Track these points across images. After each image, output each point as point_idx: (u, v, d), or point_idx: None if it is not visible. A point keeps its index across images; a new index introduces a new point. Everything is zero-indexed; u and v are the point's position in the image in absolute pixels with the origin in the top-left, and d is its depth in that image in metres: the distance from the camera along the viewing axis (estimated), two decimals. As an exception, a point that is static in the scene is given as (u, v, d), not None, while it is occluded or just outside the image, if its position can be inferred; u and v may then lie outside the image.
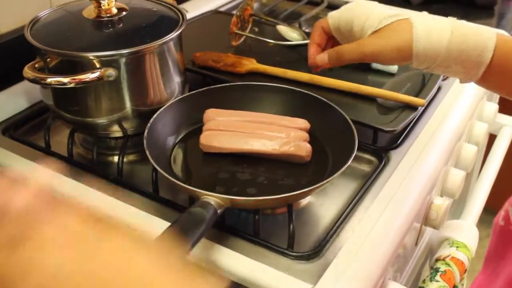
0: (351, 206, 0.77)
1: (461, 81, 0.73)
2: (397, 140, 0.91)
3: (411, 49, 0.68)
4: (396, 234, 0.75)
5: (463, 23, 0.69)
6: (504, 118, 1.31)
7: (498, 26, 1.35)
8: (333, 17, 0.79)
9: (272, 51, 1.12)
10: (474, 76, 0.68)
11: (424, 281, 0.91)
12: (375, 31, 0.72)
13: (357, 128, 0.79)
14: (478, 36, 0.66)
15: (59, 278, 0.35)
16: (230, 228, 0.74)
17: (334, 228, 0.74)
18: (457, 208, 1.28)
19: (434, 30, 0.67)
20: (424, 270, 1.08)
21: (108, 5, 0.86)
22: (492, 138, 1.30)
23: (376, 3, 0.79)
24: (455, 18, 0.71)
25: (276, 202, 0.72)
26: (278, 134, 0.81)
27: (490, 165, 1.21)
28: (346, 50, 0.75)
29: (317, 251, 0.70)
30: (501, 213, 0.91)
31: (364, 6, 0.76)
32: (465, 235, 0.93)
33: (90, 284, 0.35)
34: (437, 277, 0.87)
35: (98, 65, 0.79)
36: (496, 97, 1.36)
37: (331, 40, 0.85)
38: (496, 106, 1.25)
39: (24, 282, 0.35)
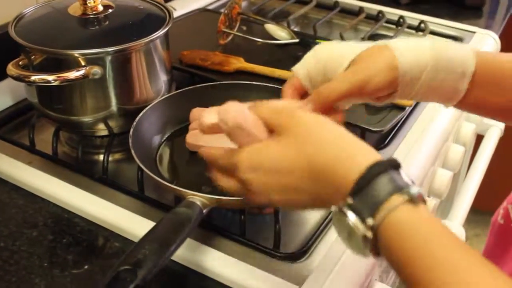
0: (338, 206, 0.77)
1: (446, 104, 0.69)
2: (384, 140, 0.91)
3: (397, 63, 0.60)
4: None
5: (442, 41, 0.66)
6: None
7: (486, 26, 1.36)
8: (300, 70, 0.66)
9: (260, 50, 1.12)
10: (461, 90, 0.64)
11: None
12: (353, 61, 0.63)
13: (345, 128, 0.78)
14: (457, 44, 0.64)
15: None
16: (216, 228, 0.73)
17: (321, 228, 0.73)
18: (444, 208, 1.29)
19: (413, 43, 0.63)
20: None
21: (94, 2, 0.85)
22: (479, 138, 1.30)
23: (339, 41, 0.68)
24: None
25: (263, 202, 0.72)
26: (265, 134, 0.80)
27: (477, 166, 1.21)
28: (330, 88, 0.61)
29: (303, 251, 0.70)
30: (500, 211, 0.90)
31: (330, 47, 0.66)
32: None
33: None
34: (424, 277, 0.86)
35: (83, 63, 0.78)
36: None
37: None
38: (484, 107, 1.25)
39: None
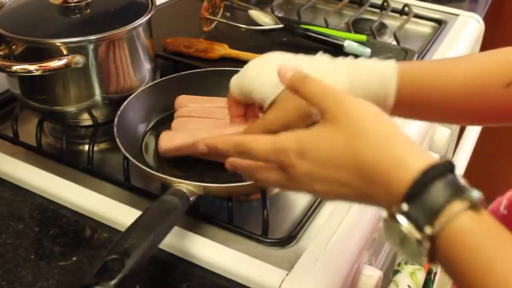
0: (325, 191, 0.77)
1: None
2: (370, 124, 0.90)
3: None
4: (371, 218, 0.75)
5: (360, 63, 0.64)
6: (476, 101, 1.32)
7: (470, 9, 1.35)
8: (234, 86, 0.70)
9: (244, 36, 1.11)
10: (387, 108, 0.62)
11: (399, 264, 0.91)
12: (272, 103, 0.64)
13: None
14: (376, 66, 0.62)
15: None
16: (203, 215, 0.73)
17: (309, 213, 0.73)
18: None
19: (329, 74, 0.61)
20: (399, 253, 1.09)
21: (75, -10, 0.84)
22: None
23: (273, 55, 0.70)
24: (352, 58, 0.64)
25: (250, 189, 0.71)
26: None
27: (463, 149, 1.22)
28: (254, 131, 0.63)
29: (291, 237, 0.70)
30: (503, 202, 0.89)
31: (255, 73, 0.68)
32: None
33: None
34: (412, 260, 0.87)
35: (65, 52, 0.77)
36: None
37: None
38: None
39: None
